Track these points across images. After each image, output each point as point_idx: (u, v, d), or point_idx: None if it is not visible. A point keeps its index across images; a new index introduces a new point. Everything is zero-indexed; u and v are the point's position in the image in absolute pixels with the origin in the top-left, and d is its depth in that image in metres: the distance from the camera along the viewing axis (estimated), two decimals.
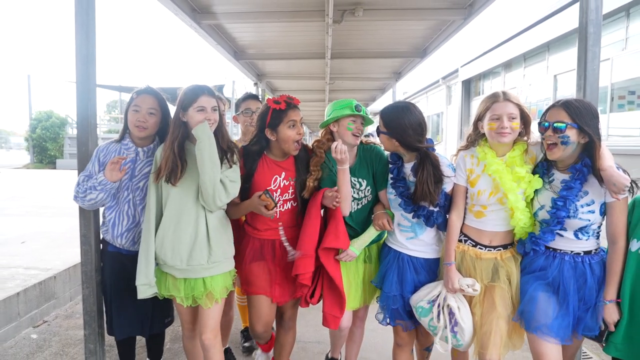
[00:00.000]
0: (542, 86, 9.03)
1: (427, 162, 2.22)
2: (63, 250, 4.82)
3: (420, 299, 2.28)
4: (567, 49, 8.07)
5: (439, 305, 2.22)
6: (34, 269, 4.13)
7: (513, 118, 2.10)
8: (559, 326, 1.99)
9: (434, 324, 2.24)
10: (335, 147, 2.24)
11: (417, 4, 4.94)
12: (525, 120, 2.14)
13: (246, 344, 3.33)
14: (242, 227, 2.56)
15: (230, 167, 2.25)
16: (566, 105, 1.97)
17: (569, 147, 1.97)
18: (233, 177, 2.24)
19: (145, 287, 2.24)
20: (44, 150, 21.49)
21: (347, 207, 2.38)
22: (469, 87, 13.47)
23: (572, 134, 1.94)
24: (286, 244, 2.38)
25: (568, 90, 8.07)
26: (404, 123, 2.25)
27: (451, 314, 2.19)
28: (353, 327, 2.71)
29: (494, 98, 2.16)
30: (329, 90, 11.39)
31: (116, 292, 2.47)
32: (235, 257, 2.40)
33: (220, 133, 2.27)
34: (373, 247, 2.57)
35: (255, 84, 9.62)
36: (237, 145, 2.44)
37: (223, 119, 2.34)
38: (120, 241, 2.42)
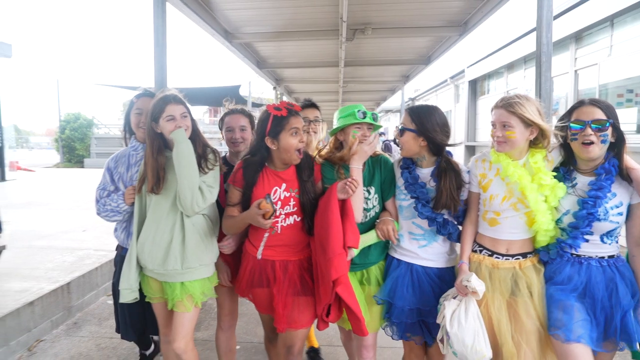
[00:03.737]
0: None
1: (450, 168, 2.16)
2: None
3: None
4: (561, 53, 8.75)
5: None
6: (102, 251, 5.03)
7: (507, 126, 1.97)
8: (590, 336, 1.89)
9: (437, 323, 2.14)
10: (371, 142, 2.22)
11: (418, 23, 5.74)
12: (539, 128, 1.97)
13: None
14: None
15: (206, 172, 2.22)
16: (597, 103, 1.90)
17: (606, 145, 1.90)
18: (210, 182, 2.21)
19: (127, 291, 2.27)
20: (73, 150, 22.72)
21: (360, 211, 2.21)
22: (475, 86, 14.15)
23: (609, 132, 1.87)
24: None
25: (563, 91, 8.76)
26: (435, 120, 2.16)
27: (444, 314, 2.07)
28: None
29: (495, 103, 2.08)
30: (342, 92, 12.20)
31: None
32: (235, 278, 2.40)
33: (196, 138, 2.26)
34: (372, 269, 2.35)
35: (274, 87, 10.50)
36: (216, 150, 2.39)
37: (196, 123, 2.35)
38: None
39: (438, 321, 2.11)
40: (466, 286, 2.00)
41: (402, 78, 10.34)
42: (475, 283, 1.99)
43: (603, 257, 1.97)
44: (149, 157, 2.23)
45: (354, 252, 2.14)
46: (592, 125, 1.86)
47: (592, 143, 1.87)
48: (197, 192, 2.12)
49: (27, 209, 8.12)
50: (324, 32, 5.91)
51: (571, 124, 1.93)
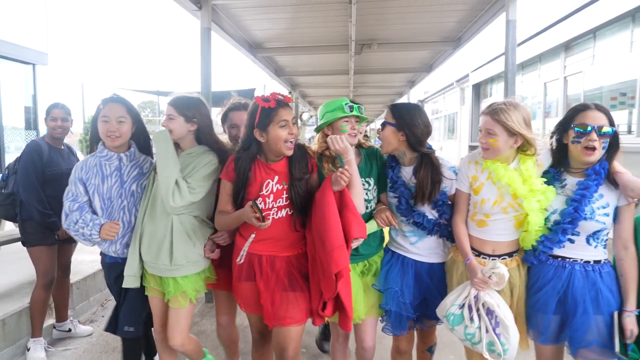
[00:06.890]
0: (535, 91, 10.45)
1: (428, 162, 2.19)
2: None
3: (448, 306, 2.12)
4: (554, 60, 9.49)
5: (470, 308, 2.04)
6: None
7: (491, 134, 1.98)
8: (577, 339, 1.93)
9: (471, 330, 2.04)
10: (331, 140, 2.12)
11: (417, 38, 6.58)
12: (523, 137, 1.97)
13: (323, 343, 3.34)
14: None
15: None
16: (602, 109, 1.91)
17: (604, 151, 1.91)
18: (194, 184, 2.18)
19: (131, 278, 2.31)
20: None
21: (362, 203, 2.16)
22: (478, 90, 14.84)
23: (609, 139, 1.90)
24: (243, 253, 2.18)
25: (554, 96, 9.49)
26: (416, 116, 2.19)
27: (490, 312, 1.99)
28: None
29: (484, 108, 2.07)
30: (353, 96, 13.04)
31: (121, 298, 2.47)
32: (229, 270, 2.34)
33: (210, 141, 2.34)
34: (373, 259, 2.41)
35: (290, 92, 11.38)
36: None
37: (211, 129, 2.37)
38: (115, 248, 2.38)
39: (468, 331, 2.07)
40: (490, 277, 1.99)
41: (408, 83, 11.14)
42: (503, 269, 1.98)
43: (588, 262, 1.97)
44: None
45: (360, 240, 2.14)
46: (597, 131, 1.87)
47: (594, 149, 1.87)
48: (173, 188, 2.11)
49: None
50: (335, 47, 6.73)
51: (576, 127, 1.92)
